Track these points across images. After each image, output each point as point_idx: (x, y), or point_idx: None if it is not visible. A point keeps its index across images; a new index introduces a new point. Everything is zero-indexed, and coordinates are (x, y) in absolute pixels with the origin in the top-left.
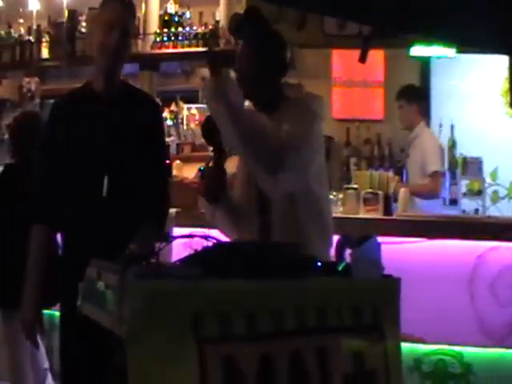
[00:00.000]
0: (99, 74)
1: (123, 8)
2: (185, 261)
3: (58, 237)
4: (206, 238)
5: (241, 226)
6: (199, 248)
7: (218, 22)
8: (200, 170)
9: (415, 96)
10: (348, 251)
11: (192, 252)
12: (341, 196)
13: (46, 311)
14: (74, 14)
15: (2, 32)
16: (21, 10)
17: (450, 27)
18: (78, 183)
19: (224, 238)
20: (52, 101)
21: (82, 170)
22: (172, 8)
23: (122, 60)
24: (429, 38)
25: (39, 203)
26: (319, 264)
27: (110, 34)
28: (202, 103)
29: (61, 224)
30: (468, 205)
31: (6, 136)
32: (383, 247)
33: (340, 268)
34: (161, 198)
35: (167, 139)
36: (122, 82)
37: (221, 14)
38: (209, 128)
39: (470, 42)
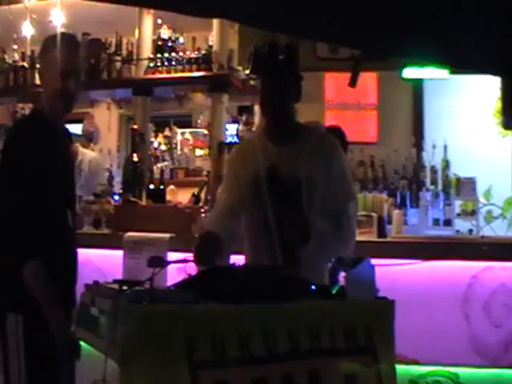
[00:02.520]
0: (55, 110)
1: (74, 51)
2: (178, 285)
3: None
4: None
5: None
6: (193, 272)
7: (211, 46)
8: (194, 195)
9: None
10: (342, 274)
11: (186, 276)
12: None
13: None
14: None
15: None
16: (15, 35)
17: (442, 50)
18: (48, 212)
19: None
20: None
21: (53, 202)
22: (165, 33)
23: (76, 99)
24: (420, 60)
25: (35, 235)
26: (313, 287)
27: (66, 82)
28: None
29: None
30: (462, 225)
31: None
32: (378, 269)
33: (334, 291)
34: None
35: (161, 164)
36: None
37: (214, 39)
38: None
39: (462, 64)
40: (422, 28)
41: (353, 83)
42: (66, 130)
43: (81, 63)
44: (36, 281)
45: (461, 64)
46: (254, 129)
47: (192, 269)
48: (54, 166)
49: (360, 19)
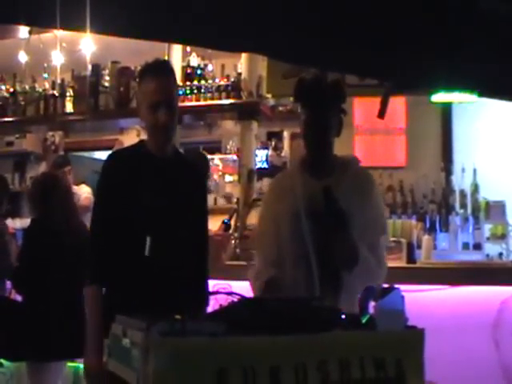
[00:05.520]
0: (152, 138)
1: (166, 82)
2: (210, 317)
3: None
4: (230, 294)
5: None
6: (224, 301)
7: (239, 74)
8: (224, 222)
9: None
10: (372, 304)
11: (217, 306)
12: None
13: (71, 364)
14: (97, 68)
15: (27, 87)
16: (45, 65)
17: (471, 79)
18: (123, 240)
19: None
20: (74, 154)
21: (128, 227)
22: (195, 61)
23: (173, 129)
24: (450, 89)
25: (97, 264)
26: (343, 317)
27: (157, 114)
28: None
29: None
30: (492, 249)
31: None
32: (407, 295)
33: (364, 321)
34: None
35: None
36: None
37: (242, 66)
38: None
39: (492, 91)
40: (449, 59)
41: (381, 115)
42: (174, 160)
43: (174, 91)
44: (86, 305)
45: (490, 91)
46: (283, 154)
47: (223, 299)
48: (125, 197)
49: (389, 53)
